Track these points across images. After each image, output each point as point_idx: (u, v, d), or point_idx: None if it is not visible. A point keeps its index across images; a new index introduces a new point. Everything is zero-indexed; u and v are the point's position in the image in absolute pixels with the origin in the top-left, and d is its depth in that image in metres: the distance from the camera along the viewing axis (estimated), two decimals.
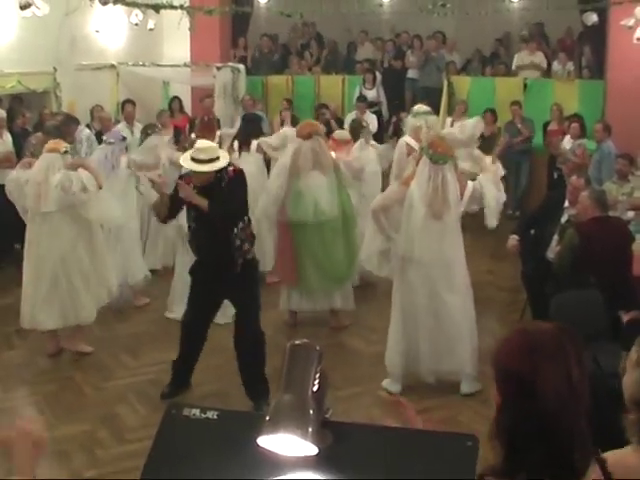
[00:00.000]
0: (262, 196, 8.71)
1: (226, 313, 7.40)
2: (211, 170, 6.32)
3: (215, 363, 7.35)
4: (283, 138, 10.05)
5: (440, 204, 6.58)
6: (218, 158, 6.39)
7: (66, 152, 7.87)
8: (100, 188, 7.78)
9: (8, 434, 2.41)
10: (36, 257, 7.79)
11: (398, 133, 14.32)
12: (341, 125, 13.33)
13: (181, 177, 6.73)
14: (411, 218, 6.65)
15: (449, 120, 13.91)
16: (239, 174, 6.58)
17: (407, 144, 9.75)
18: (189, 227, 6.69)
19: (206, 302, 6.73)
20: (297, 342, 1.87)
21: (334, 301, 8.56)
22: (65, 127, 11.42)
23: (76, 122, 11.53)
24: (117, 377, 7.52)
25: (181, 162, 6.55)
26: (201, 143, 6.52)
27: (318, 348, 1.85)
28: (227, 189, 6.44)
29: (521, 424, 2.04)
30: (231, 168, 6.50)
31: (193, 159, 6.33)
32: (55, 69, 13.28)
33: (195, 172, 6.38)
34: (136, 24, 13.86)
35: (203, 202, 6.31)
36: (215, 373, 7.34)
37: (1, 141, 11.14)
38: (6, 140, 11.24)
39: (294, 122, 9.78)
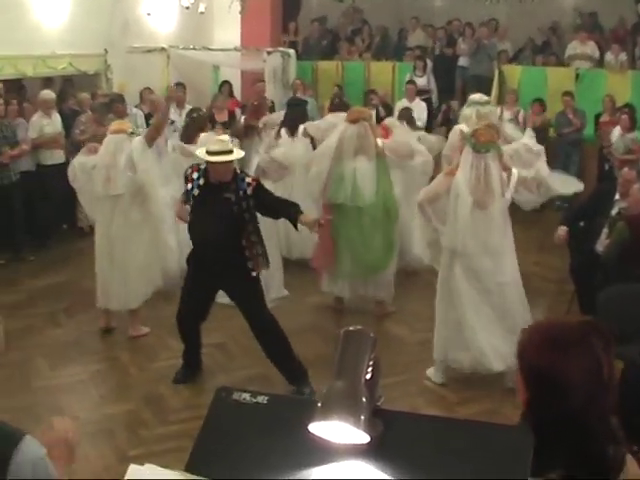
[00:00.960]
0: (306, 174, 8.73)
1: None
2: (225, 160, 6.32)
3: (257, 346, 7.36)
4: (329, 122, 9.99)
5: (483, 193, 6.50)
6: (231, 151, 6.41)
7: (132, 133, 7.86)
8: None
9: (48, 437, 2.46)
10: (106, 240, 7.87)
11: (447, 122, 14.27)
12: (390, 112, 13.26)
13: (193, 168, 6.70)
14: (458, 208, 6.57)
15: (499, 109, 13.78)
16: (260, 182, 6.65)
17: (461, 131, 9.69)
18: (190, 211, 6.71)
19: (199, 287, 6.71)
20: (351, 328, 1.84)
21: (371, 289, 8.53)
22: (113, 105, 11.56)
23: (122, 100, 11.65)
24: (162, 358, 7.56)
25: (197, 153, 6.54)
26: (213, 137, 6.55)
27: (372, 335, 1.82)
28: (259, 193, 6.48)
29: (549, 420, 1.99)
30: (249, 179, 6.52)
31: (208, 152, 6.34)
32: (106, 51, 13.39)
33: (210, 163, 6.38)
34: (187, 7, 13.87)
35: None
36: (255, 356, 7.33)
37: (50, 122, 11.24)
38: (55, 121, 11.34)
39: (345, 108, 9.69)
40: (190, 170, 6.62)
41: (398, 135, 9.32)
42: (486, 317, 6.71)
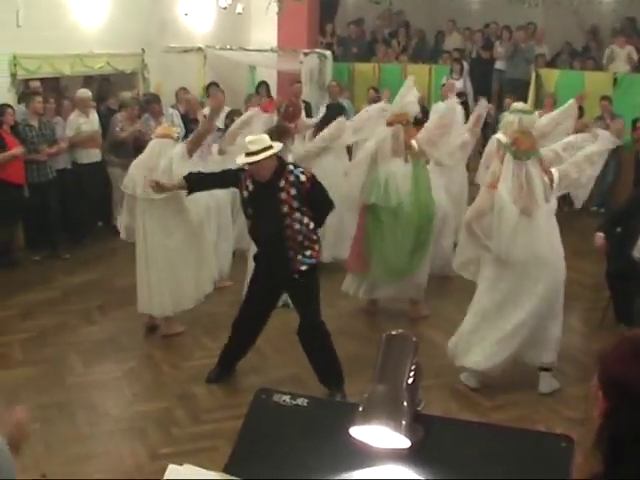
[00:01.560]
0: (346, 180, 8.73)
1: None
2: (264, 158, 6.22)
3: (290, 347, 7.36)
4: (361, 118, 9.95)
5: (527, 200, 6.46)
6: (271, 147, 6.32)
7: (178, 138, 7.85)
8: None
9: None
10: (145, 244, 7.82)
11: (483, 124, 14.16)
12: (426, 115, 13.20)
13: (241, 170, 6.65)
14: (503, 219, 6.52)
15: (537, 113, 13.69)
16: (314, 177, 6.55)
17: (499, 141, 9.66)
18: (246, 215, 6.67)
19: (263, 292, 6.70)
20: (393, 332, 1.84)
21: (400, 290, 8.51)
22: (149, 105, 11.63)
23: (158, 100, 11.73)
24: (196, 357, 7.58)
25: (238, 162, 6.46)
26: (251, 137, 6.45)
27: (414, 339, 1.82)
28: (314, 190, 6.43)
29: (628, 433, 1.97)
30: (304, 178, 6.40)
31: (246, 154, 6.29)
32: (143, 51, 13.46)
33: (251, 164, 6.31)
34: (224, 8, 13.94)
35: None
36: (289, 357, 7.35)
37: (87, 120, 11.31)
38: (92, 119, 11.42)
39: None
40: (242, 175, 6.57)
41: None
42: (520, 322, 6.69)
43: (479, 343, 6.80)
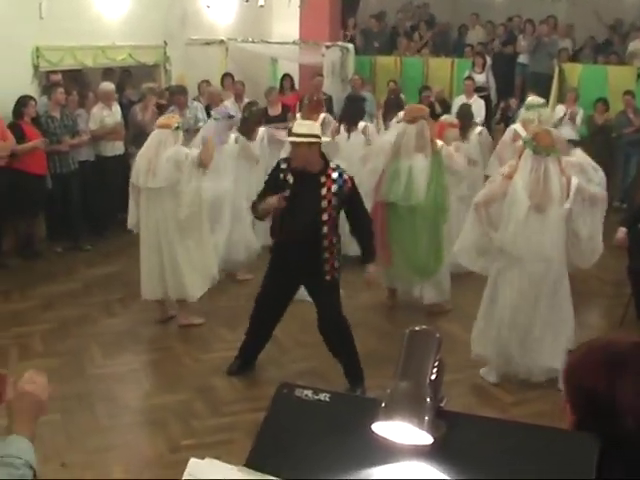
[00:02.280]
0: (364, 167, 8.75)
1: None
2: (302, 142, 6.22)
3: (309, 340, 7.37)
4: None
5: (542, 196, 6.43)
6: (317, 136, 6.33)
7: (178, 128, 7.87)
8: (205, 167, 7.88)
9: (10, 394, 2.45)
10: (146, 232, 7.95)
11: (506, 119, 14.15)
12: (448, 109, 13.20)
13: (285, 160, 6.66)
14: (513, 212, 6.52)
15: (560, 107, 13.64)
16: (354, 182, 6.52)
17: (515, 131, 9.67)
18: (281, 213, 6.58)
19: (281, 284, 6.68)
20: (416, 328, 1.82)
21: (425, 293, 8.50)
22: (174, 97, 11.62)
23: (185, 92, 11.74)
24: (215, 350, 7.61)
25: (283, 139, 6.53)
26: (300, 121, 6.52)
27: (438, 335, 1.80)
28: (353, 196, 6.43)
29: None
30: (346, 176, 6.40)
31: (292, 134, 6.34)
32: (166, 43, 13.48)
33: (293, 145, 6.35)
34: (246, 0, 13.91)
35: None
36: (310, 351, 7.36)
37: (110, 113, 11.35)
38: (115, 112, 11.45)
39: (401, 105, 9.67)
40: (282, 163, 6.56)
41: (453, 137, 9.25)
42: (532, 322, 6.66)
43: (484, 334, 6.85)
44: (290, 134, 6.39)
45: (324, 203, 6.30)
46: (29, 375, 2.49)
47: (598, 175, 7.97)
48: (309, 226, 6.31)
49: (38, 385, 2.47)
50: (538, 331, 6.65)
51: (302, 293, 6.86)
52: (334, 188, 6.30)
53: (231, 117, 9.54)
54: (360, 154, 9.30)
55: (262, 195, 6.57)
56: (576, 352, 2.07)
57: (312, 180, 6.31)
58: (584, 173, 7.55)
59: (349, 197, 6.37)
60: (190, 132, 10.17)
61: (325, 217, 6.33)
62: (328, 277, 6.48)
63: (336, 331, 6.61)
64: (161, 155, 7.69)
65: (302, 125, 6.43)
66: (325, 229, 6.34)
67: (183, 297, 8.07)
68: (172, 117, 8.24)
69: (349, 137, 10.05)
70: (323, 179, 6.31)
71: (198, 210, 7.93)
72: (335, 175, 6.33)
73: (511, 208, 6.54)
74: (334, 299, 6.61)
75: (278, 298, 6.75)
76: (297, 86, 15.18)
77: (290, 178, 6.40)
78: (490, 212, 6.77)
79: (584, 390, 1.97)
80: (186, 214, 7.79)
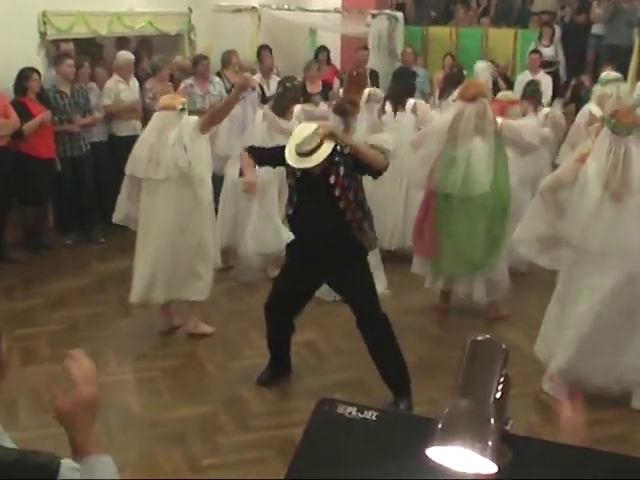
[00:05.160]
0: (410, 160, 8.67)
1: None
2: (317, 163, 6.17)
3: (350, 348, 7.35)
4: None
5: (620, 183, 6.33)
6: (321, 144, 6.20)
7: (183, 109, 7.68)
8: None
9: (62, 402, 2.41)
10: (147, 229, 7.80)
11: (576, 99, 14.02)
12: (511, 86, 13.10)
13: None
14: (583, 200, 6.41)
15: None
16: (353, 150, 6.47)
17: (590, 113, 9.55)
18: (290, 201, 6.62)
19: (295, 284, 6.67)
20: (479, 338, 1.78)
21: (475, 289, 8.42)
22: (196, 66, 11.52)
23: (206, 58, 11.66)
24: (244, 356, 7.60)
25: (290, 162, 6.29)
26: (298, 131, 6.36)
27: (504, 347, 1.76)
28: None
29: None
30: (347, 150, 6.37)
31: (298, 154, 6.21)
32: (190, 10, 13.47)
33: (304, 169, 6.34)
34: None
35: None
36: (349, 358, 7.34)
37: (127, 88, 11.33)
38: (133, 87, 11.44)
39: (459, 81, 9.57)
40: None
41: (515, 115, 9.18)
42: (611, 328, 6.56)
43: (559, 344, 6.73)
44: (292, 156, 6.26)
45: (337, 191, 6.32)
46: (75, 363, 2.47)
47: None
48: (326, 222, 6.32)
49: (87, 378, 2.44)
50: (625, 336, 6.54)
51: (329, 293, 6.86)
52: (342, 170, 6.33)
53: (254, 89, 9.49)
54: (410, 137, 9.23)
55: (268, 150, 6.84)
56: None
57: (321, 175, 6.33)
58: None
59: (357, 162, 6.34)
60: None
61: (343, 204, 6.35)
62: (356, 253, 6.47)
63: (374, 328, 6.56)
64: (165, 142, 7.53)
65: (305, 142, 6.19)
66: (348, 215, 6.36)
67: (188, 297, 8.00)
68: (176, 97, 8.07)
69: (395, 117, 9.97)
70: (334, 167, 6.32)
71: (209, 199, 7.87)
72: (337, 157, 6.32)
73: (581, 196, 6.42)
74: (369, 292, 6.56)
75: (293, 293, 6.72)
76: (338, 60, 15.13)
77: (298, 172, 6.44)
78: (558, 199, 6.65)
79: None
80: (210, 198, 7.74)
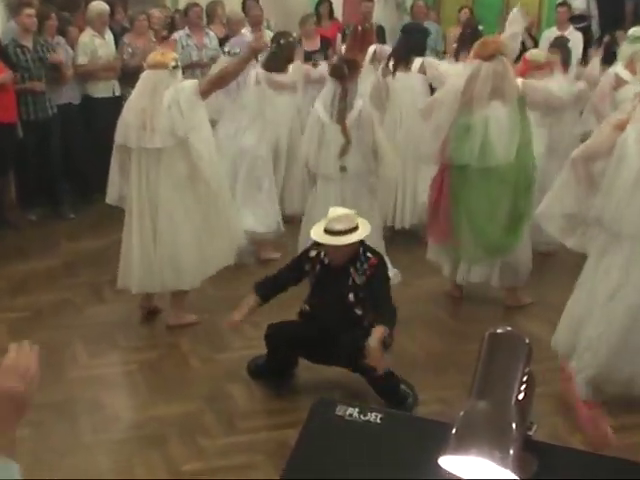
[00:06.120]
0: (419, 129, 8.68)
1: None
2: (349, 242, 6.37)
3: None
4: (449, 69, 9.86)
5: None
6: (357, 227, 6.43)
7: (176, 67, 7.59)
8: None
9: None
10: (139, 206, 7.70)
11: (611, 58, 13.97)
12: (536, 44, 13.07)
13: (317, 245, 6.68)
14: (620, 174, 6.36)
15: None
16: (381, 263, 6.66)
17: (616, 75, 9.52)
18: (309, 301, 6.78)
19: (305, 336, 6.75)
20: (499, 331, 1.76)
21: (500, 275, 8.41)
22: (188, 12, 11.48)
23: (197, 5, 11.65)
24: (232, 348, 7.60)
25: (313, 237, 6.53)
26: (335, 212, 6.51)
27: (527, 341, 1.75)
28: (372, 279, 6.51)
29: None
30: (368, 265, 6.53)
31: (327, 231, 6.39)
32: None
33: (331, 246, 6.47)
34: None
35: None
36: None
37: (103, 42, 11.32)
38: (109, 41, 11.44)
39: (476, 38, 9.49)
40: (312, 250, 6.74)
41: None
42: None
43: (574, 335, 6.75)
44: (325, 233, 6.41)
45: (351, 297, 6.51)
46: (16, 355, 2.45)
47: None
48: (341, 322, 6.48)
49: (19, 366, 2.42)
50: None
51: None
52: (359, 280, 6.51)
53: (237, 53, 9.46)
54: (418, 103, 9.22)
55: (275, 278, 6.93)
56: None
57: (341, 269, 6.54)
58: None
59: (370, 281, 6.51)
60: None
61: (358, 312, 6.51)
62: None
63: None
64: (157, 105, 7.42)
65: (338, 220, 6.43)
66: (358, 311, 6.53)
67: (179, 287, 7.96)
68: (166, 52, 7.96)
69: (394, 77, 9.82)
70: (351, 270, 6.52)
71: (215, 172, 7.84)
72: (359, 264, 6.53)
73: (619, 169, 6.35)
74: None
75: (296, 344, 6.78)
76: (340, 14, 15.08)
77: (318, 266, 6.65)
78: (591, 171, 6.60)
79: None
80: (209, 173, 7.69)
